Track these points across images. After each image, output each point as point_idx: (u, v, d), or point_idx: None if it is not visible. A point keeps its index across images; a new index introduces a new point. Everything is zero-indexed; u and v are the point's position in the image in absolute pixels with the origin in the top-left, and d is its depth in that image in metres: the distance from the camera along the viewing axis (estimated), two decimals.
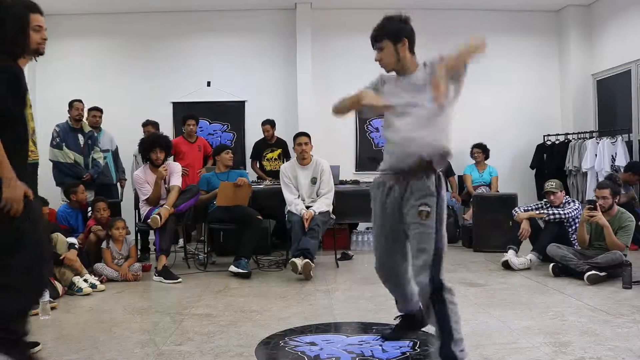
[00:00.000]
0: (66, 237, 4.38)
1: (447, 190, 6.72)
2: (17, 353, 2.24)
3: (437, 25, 7.64)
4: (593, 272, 4.21)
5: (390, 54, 2.53)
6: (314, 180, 5.18)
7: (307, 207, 4.94)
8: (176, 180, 5.07)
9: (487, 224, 5.95)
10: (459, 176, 7.16)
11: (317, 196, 5.13)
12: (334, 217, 5.19)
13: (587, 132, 7.14)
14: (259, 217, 5.02)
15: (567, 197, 5.20)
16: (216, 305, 3.73)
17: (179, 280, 4.56)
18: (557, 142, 7.48)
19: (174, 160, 5.92)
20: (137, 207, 5.23)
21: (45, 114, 6.82)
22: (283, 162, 6.55)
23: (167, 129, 7.01)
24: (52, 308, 3.51)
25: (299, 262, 4.48)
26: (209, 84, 7.72)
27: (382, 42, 2.55)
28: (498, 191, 6.78)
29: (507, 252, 4.95)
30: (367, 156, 7.77)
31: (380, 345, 2.82)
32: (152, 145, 5.07)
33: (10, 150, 2.34)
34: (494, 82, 7.76)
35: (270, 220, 5.94)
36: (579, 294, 3.88)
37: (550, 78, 7.95)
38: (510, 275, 4.66)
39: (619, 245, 4.37)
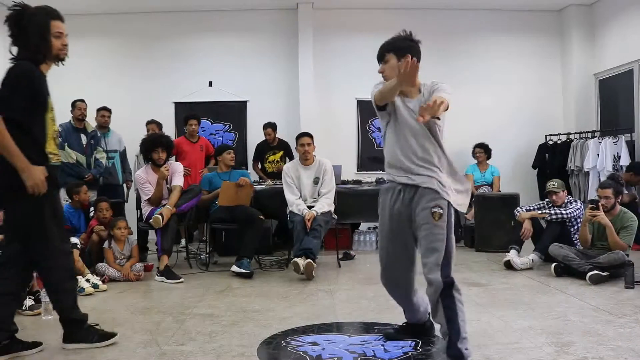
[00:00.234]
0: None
1: None
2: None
3: (437, 25, 7.66)
4: (595, 272, 4.20)
5: (393, 68, 2.54)
6: (316, 181, 5.18)
7: (309, 208, 4.94)
8: (178, 180, 5.08)
9: (489, 224, 5.95)
10: None
11: (319, 196, 5.13)
12: (335, 217, 5.19)
13: (589, 132, 7.13)
14: (261, 217, 5.01)
15: (569, 196, 5.20)
16: (218, 305, 3.74)
17: (181, 280, 4.57)
18: (559, 141, 7.47)
19: (176, 160, 5.92)
20: (138, 207, 5.23)
21: None
22: (285, 164, 6.56)
23: (169, 129, 7.01)
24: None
25: (301, 262, 4.48)
26: (210, 84, 7.72)
27: (387, 56, 2.59)
28: (500, 191, 6.78)
29: (509, 252, 4.94)
30: (369, 156, 7.77)
31: (382, 345, 2.82)
32: (154, 145, 5.08)
33: (26, 155, 2.55)
34: (495, 81, 7.77)
35: (272, 220, 5.94)
36: (581, 294, 3.88)
37: (552, 78, 7.93)
38: (513, 275, 4.65)
39: (622, 245, 4.36)
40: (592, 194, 6.35)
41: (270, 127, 6.85)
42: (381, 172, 6.92)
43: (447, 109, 2.34)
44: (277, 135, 6.93)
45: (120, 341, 2.92)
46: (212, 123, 7.69)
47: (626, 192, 5.63)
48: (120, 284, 4.51)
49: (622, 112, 7.08)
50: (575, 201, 5.11)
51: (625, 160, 6.39)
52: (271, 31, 7.77)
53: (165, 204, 4.87)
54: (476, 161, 7.09)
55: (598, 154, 6.64)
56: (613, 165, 6.49)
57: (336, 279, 4.67)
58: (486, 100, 7.63)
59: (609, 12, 7.34)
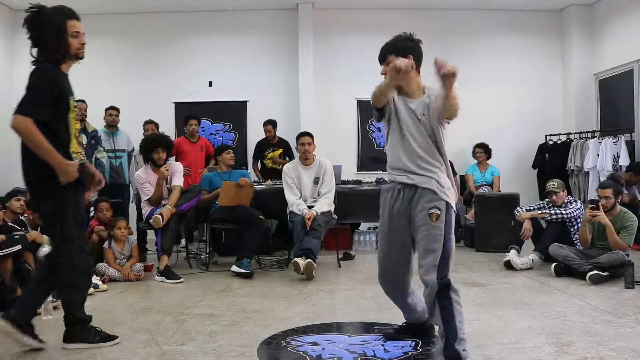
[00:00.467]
0: None
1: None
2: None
3: (437, 25, 7.65)
4: (595, 272, 4.20)
5: None
6: (316, 181, 5.18)
7: (310, 207, 4.94)
8: (178, 180, 5.08)
9: (489, 224, 5.95)
10: (461, 176, 7.15)
11: (319, 195, 5.13)
12: (335, 217, 5.19)
13: (589, 132, 7.13)
14: (261, 217, 5.01)
15: (569, 196, 5.20)
16: (218, 305, 3.74)
17: (181, 280, 4.57)
18: (559, 141, 7.47)
19: (176, 160, 5.92)
20: (138, 207, 5.23)
21: None
22: (284, 161, 6.56)
23: (169, 129, 7.00)
24: (55, 308, 3.51)
25: (301, 262, 4.47)
26: (210, 84, 7.72)
27: (388, 57, 2.59)
28: (500, 191, 6.78)
29: (509, 252, 4.94)
30: (369, 156, 7.77)
31: (382, 345, 2.82)
32: (154, 145, 5.07)
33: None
34: (495, 81, 7.76)
35: (272, 220, 5.95)
36: (582, 294, 3.87)
37: (553, 78, 7.93)
38: (513, 275, 4.65)
39: (622, 245, 4.36)
40: (592, 194, 6.36)
41: (271, 124, 6.85)
42: (381, 172, 6.95)
43: (456, 114, 2.46)
44: (277, 134, 6.93)
45: (121, 341, 2.92)
46: (212, 123, 7.69)
47: (626, 192, 5.63)
48: (120, 284, 4.51)
49: (622, 112, 7.07)
50: (575, 201, 5.11)
51: (625, 160, 6.39)
52: (271, 31, 7.77)
53: (165, 204, 4.87)
54: (476, 161, 7.10)
55: (598, 154, 6.65)
56: (613, 165, 6.49)
57: (336, 279, 4.67)
58: (486, 100, 7.62)
59: (609, 12, 7.34)
